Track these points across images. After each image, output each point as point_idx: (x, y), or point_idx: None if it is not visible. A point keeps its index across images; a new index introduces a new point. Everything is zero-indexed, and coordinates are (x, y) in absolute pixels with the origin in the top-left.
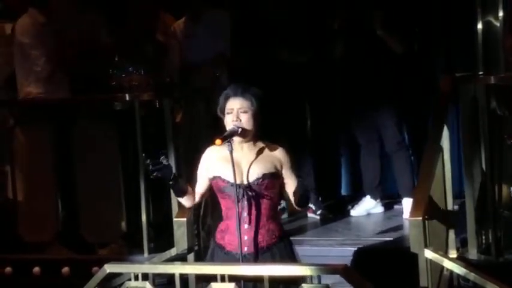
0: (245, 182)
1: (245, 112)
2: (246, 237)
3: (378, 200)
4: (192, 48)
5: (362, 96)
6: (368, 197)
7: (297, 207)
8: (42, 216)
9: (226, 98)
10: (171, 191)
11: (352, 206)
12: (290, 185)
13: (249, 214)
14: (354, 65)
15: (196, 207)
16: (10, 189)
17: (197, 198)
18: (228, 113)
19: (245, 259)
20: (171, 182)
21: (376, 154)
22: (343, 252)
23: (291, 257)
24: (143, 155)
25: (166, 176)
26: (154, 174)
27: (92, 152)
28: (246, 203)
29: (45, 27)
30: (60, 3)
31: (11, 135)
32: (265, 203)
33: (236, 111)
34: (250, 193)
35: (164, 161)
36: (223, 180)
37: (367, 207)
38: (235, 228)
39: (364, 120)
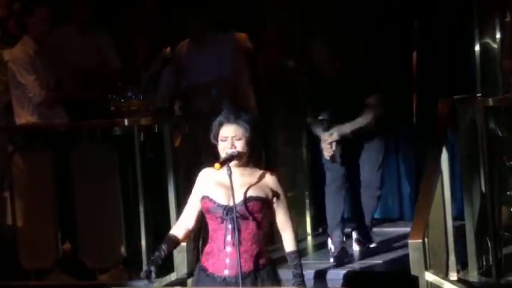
0: (230, 204)
1: (239, 139)
2: (227, 260)
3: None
4: (196, 71)
5: None
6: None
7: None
8: (43, 243)
9: (220, 125)
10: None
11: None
12: (280, 217)
13: (233, 237)
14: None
15: (197, 231)
16: (10, 215)
17: (192, 223)
18: (222, 140)
19: (225, 282)
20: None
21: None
22: (340, 276)
23: (275, 285)
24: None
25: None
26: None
27: (92, 177)
28: (229, 225)
29: (38, 54)
30: (59, 30)
31: (10, 162)
32: (249, 227)
33: (230, 139)
34: (233, 215)
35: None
36: (211, 200)
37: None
38: (218, 251)
39: None
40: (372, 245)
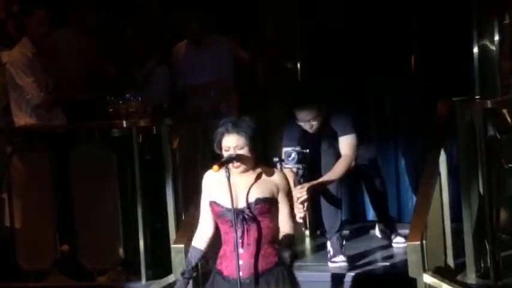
0: (239, 207)
1: (241, 148)
2: (241, 262)
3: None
4: (193, 71)
5: None
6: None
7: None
8: (41, 244)
9: (222, 135)
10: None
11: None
12: (282, 211)
13: (244, 239)
14: None
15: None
16: (8, 217)
17: (211, 229)
18: (225, 150)
19: (240, 284)
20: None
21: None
22: (339, 278)
23: (288, 284)
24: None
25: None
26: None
27: (90, 178)
28: (240, 228)
29: (36, 56)
30: (59, 31)
31: (8, 163)
32: (260, 228)
33: (233, 149)
34: (243, 218)
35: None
36: (219, 205)
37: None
38: (231, 253)
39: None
40: (397, 239)
